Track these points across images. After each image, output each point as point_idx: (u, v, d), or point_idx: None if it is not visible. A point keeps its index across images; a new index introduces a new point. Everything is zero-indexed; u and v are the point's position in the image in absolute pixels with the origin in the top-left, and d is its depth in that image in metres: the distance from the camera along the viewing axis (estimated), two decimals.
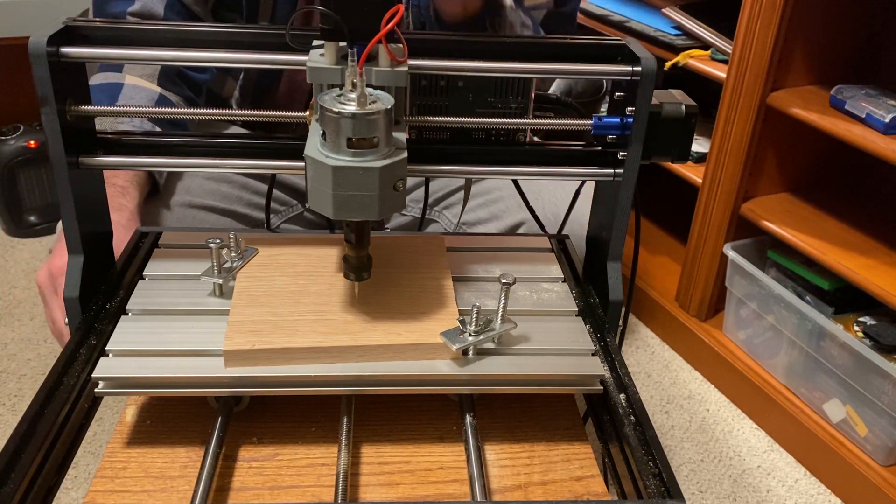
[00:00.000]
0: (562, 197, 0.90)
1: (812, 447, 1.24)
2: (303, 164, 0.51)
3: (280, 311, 0.58)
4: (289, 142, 0.62)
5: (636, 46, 0.60)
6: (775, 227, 1.25)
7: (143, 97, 0.86)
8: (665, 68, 1.36)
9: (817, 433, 1.22)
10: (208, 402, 0.59)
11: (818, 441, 1.22)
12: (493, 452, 0.58)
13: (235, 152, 0.63)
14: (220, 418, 0.56)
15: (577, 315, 0.64)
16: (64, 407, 0.53)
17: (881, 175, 1.34)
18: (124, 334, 0.57)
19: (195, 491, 0.51)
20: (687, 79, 1.30)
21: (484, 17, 0.90)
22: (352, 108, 0.49)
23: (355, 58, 0.49)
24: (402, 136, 0.53)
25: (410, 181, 0.62)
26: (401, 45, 0.53)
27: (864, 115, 1.11)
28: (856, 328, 1.19)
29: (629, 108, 0.59)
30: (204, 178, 0.93)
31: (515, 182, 0.80)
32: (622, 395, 0.57)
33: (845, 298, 1.22)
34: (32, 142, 1.68)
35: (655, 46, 1.41)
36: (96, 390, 0.54)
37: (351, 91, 0.50)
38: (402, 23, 0.50)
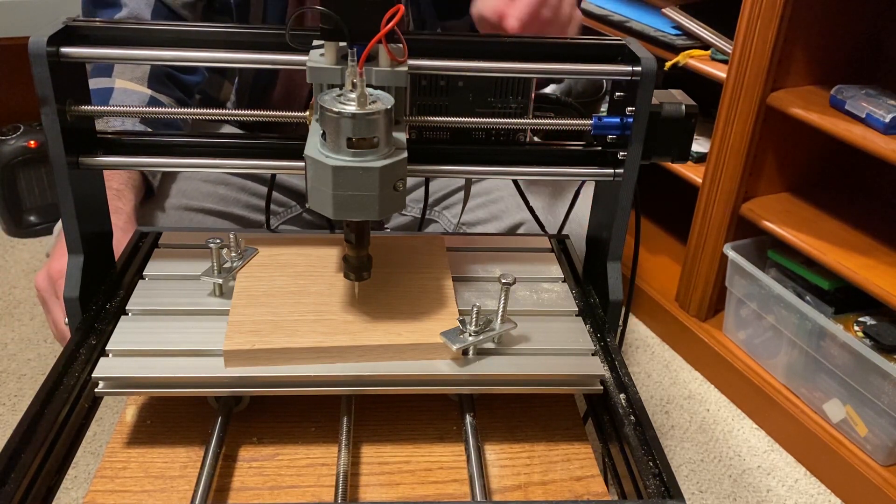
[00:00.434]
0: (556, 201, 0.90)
1: (812, 447, 1.24)
2: (302, 164, 0.51)
3: (280, 311, 0.58)
4: (288, 142, 0.62)
5: (636, 46, 0.60)
6: (775, 227, 1.25)
7: (135, 100, 0.85)
8: (665, 68, 1.36)
9: (817, 433, 1.22)
10: (208, 402, 0.59)
11: (818, 441, 1.22)
12: (493, 452, 0.58)
13: (237, 152, 0.63)
14: (220, 418, 0.56)
15: (577, 315, 0.64)
16: (64, 407, 0.53)
17: (881, 175, 1.34)
18: (124, 334, 0.57)
19: (195, 491, 0.51)
20: (687, 79, 1.30)
21: None
22: (352, 108, 0.49)
23: (355, 58, 0.49)
24: (402, 136, 0.53)
25: (410, 181, 0.61)
26: (401, 45, 0.53)
27: (864, 115, 1.11)
28: (856, 328, 1.19)
29: (629, 108, 0.59)
30: (200, 181, 0.92)
31: (515, 182, 0.80)
32: (622, 395, 0.57)
33: (845, 298, 1.22)
34: (32, 142, 1.68)
35: (655, 46, 1.41)
36: (96, 390, 0.54)
37: (351, 91, 0.50)
38: (402, 21, 0.50)
